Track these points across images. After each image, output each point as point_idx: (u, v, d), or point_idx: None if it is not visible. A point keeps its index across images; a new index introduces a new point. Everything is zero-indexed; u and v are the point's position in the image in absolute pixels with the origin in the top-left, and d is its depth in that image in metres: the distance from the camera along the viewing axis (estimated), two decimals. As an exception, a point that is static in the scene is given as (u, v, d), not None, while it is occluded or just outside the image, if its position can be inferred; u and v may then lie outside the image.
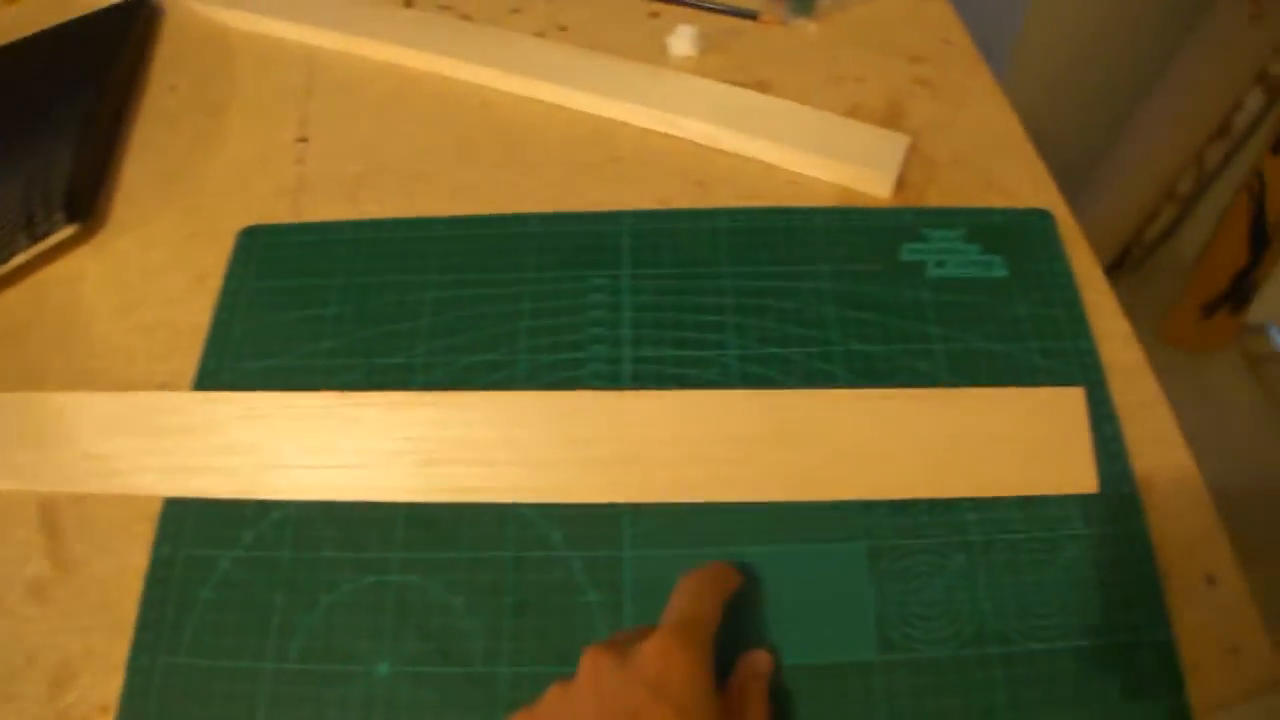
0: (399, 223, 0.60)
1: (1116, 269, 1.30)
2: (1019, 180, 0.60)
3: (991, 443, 0.50)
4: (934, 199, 0.59)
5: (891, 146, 0.60)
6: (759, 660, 0.45)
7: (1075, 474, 0.50)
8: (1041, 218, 0.59)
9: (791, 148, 0.60)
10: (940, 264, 0.56)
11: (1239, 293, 1.24)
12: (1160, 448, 0.51)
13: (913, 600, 0.47)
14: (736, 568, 0.46)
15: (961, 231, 0.58)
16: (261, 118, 0.66)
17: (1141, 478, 0.50)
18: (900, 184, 0.60)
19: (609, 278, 0.56)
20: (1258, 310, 1.29)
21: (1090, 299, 0.56)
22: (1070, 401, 0.52)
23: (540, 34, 0.68)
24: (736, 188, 0.60)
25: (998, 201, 0.59)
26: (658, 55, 0.66)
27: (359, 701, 0.45)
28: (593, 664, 0.38)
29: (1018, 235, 0.58)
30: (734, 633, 0.45)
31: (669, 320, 0.55)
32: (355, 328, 0.56)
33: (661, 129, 0.62)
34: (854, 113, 0.63)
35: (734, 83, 0.64)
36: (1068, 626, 0.47)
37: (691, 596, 0.42)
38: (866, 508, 0.49)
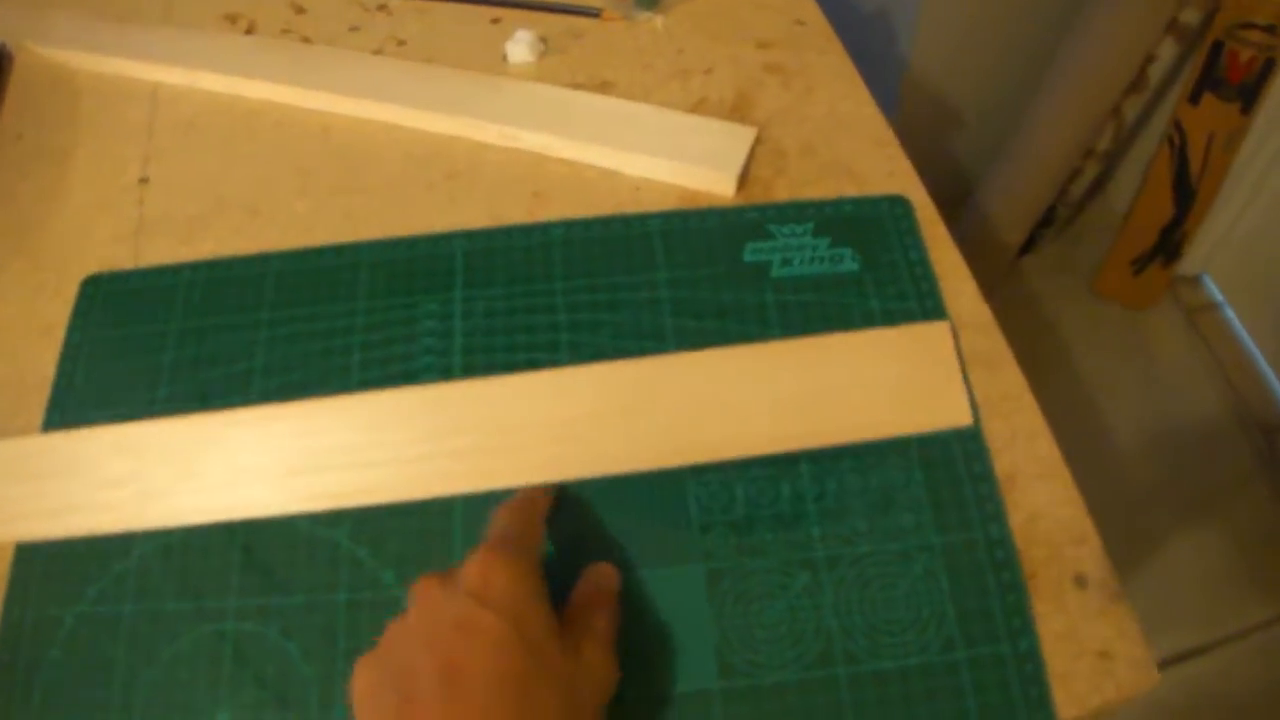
0: (234, 261, 0.56)
1: (1045, 228, 1.25)
2: (873, 166, 0.56)
3: (858, 387, 0.47)
4: (783, 193, 0.55)
5: (736, 141, 0.56)
6: (602, 573, 0.43)
7: (947, 408, 0.47)
8: (896, 205, 0.54)
9: (630, 151, 0.55)
10: (786, 262, 0.52)
11: (1168, 247, 1.19)
12: (1025, 441, 0.47)
13: (755, 623, 0.43)
14: (545, 490, 0.45)
15: (810, 225, 0.53)
16: (104, 161, 0.62)
17: (1004, 475, 0.46)
18: (747, 180, 0.55)
19: (440, 302, 0.52)
20: (1191, 261, 1.24)
21: (951, 288, 0.51)
22: (936, 336, 0.48)
23: (379, 51, 0.63)
24: (574, 198, 0.55)
25: (851, 190, 0.55)
26: (498, 64, 0.62)
27: (199, 760, 0.41)
28: (422, 591, 0.37)
29: (871, 225, 0.53)
30: None
31: (500, 344, 0.50)
32: (190, 372, 0.52)
33: (498, 142, 0.57)
34: (700, 107, 0.59)
35: (575, 86, 0.60)
36: (921, 641, 0.43)
37: (506, 519, 0.41)
38: (705, 528, 0.45)
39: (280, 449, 0.48)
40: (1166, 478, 1.18)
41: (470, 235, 0.54)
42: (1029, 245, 1.28)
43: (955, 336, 0.49)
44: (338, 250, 0.55)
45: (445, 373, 0.50)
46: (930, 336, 0.49)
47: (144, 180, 0.61)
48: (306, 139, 0.60)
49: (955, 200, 1.26)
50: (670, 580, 0.44)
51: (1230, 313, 1.28)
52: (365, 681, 0.36)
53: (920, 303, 0.51)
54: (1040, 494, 0.46)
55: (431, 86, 0.60)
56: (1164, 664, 1.06)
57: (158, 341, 0.54)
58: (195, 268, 0.56)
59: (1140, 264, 1.24)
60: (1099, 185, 1.33)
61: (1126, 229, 1.23)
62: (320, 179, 0.58)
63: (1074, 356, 1.26)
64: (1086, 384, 1.24)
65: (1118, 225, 1.26)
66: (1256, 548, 1.14)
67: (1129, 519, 1.15)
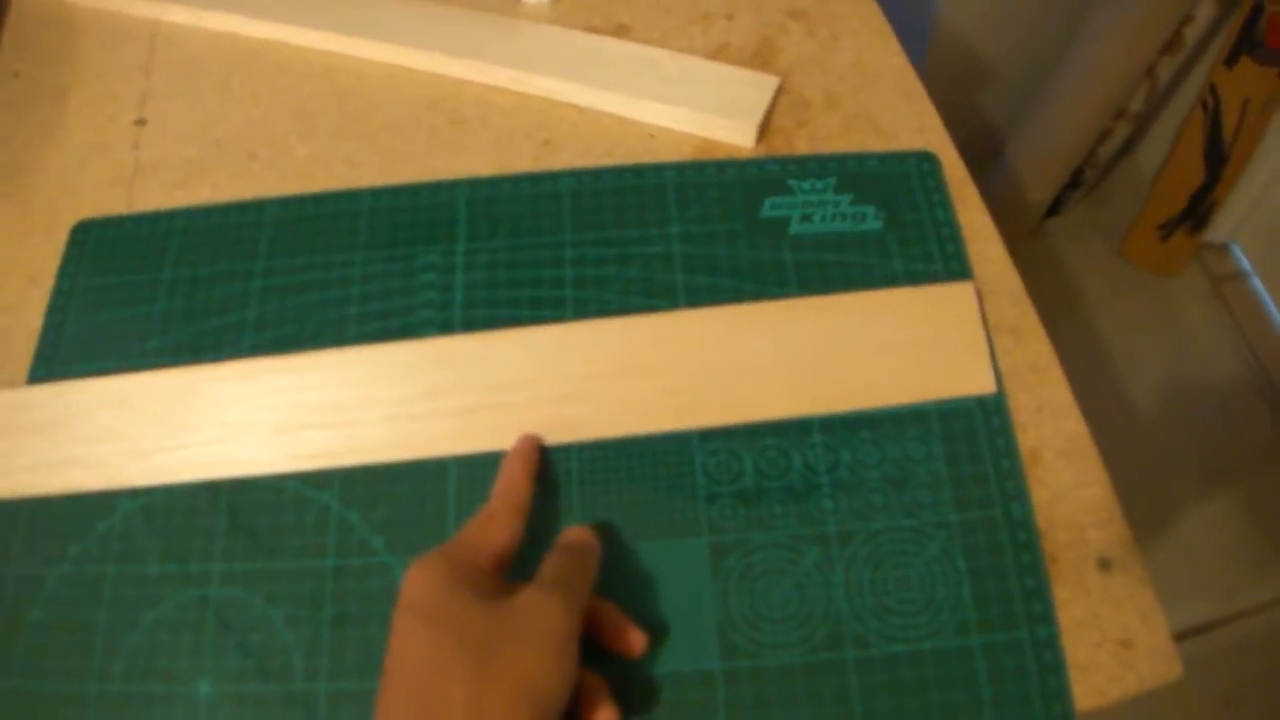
0: (230, 207, 0.52)
1: (1072, 190, 1.19)
2: (900, 121, 0.51)
3: (876, 349, 0.44)
4: (804, 146, 0.50)
5: (757, 90, 0.51)
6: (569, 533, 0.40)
7: (970, 374, 0.43)
8: (923, 161, 0.50)
9: (646, 99, 0.51)
10: (806, 219, 0.48)
11: (1196, 213, 1.13)
12: (1051, 417, 0.43)
13: (760, 601, 0.40)
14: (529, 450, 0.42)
15: (832, 181, 0.49)
16: (101, 101, 0.58)
17: (1027, 451, 0.42)
18: (767, 131, 0.51)
19: (442, 254, 0.48)
20: (1219, 228, 1.18)
21: (978, 251, 0.47)
22: (959, 297, 0.45)
23: (387, -11, 0.59)
24: (586, 146, 0.51)
25: (876, 145, 0.50)
26: (512, 5, 0.57)
27: (180, 724, 0.39)
28: None
29: (896, 182, 0.49)
30: None
31: (503, 298, 0.47)
32: (182, 323, 0.49)
33: (508, 86, 0.53)
34: (720, 54, 0.54)
35: (591, 29, 0.55)
36: (934, 625, 0.39)
37: (471, 525, 0.38)
38: (711, 499, 0.41)
39: (270, 405, 0.45)
40: (1186, 447, 1.13)
41: (475, 184, 0.50)
42: (1055, 207, 1.22)
43: (980, 300, 0.45)
44: (336, 197, 0.51)
45: (444, 327, 0.47)
46: (953, 298, 0.45)
47: (140, 122, 0.57)
48: (309, 81, 0.56)
49: (983, 158, 1.20)
50: (672, 553, 0.41)
51: (1257, 283, 1.22)
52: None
53: (945, 265, 0.46)
54: (1065, 472, 0.42)
55: (440, 27, 0.55)
56: (1178, 637, 1.02)
57: (149, 291, 0.50)
58: (190, 214, 0.52)
59: (1168, 229, 1.18)
60: (1129, 147, 1.27)
61: (1155, 193, 1.17)
62: (322, 123, 0.54)
63: (1097, 321, 1.20)
64: (1109, 349, 1.19)
65: (1146, 190, 1.20)
66: (1275, 521, 1.09)
67: (1147, 487, 1.10)
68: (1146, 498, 1.09)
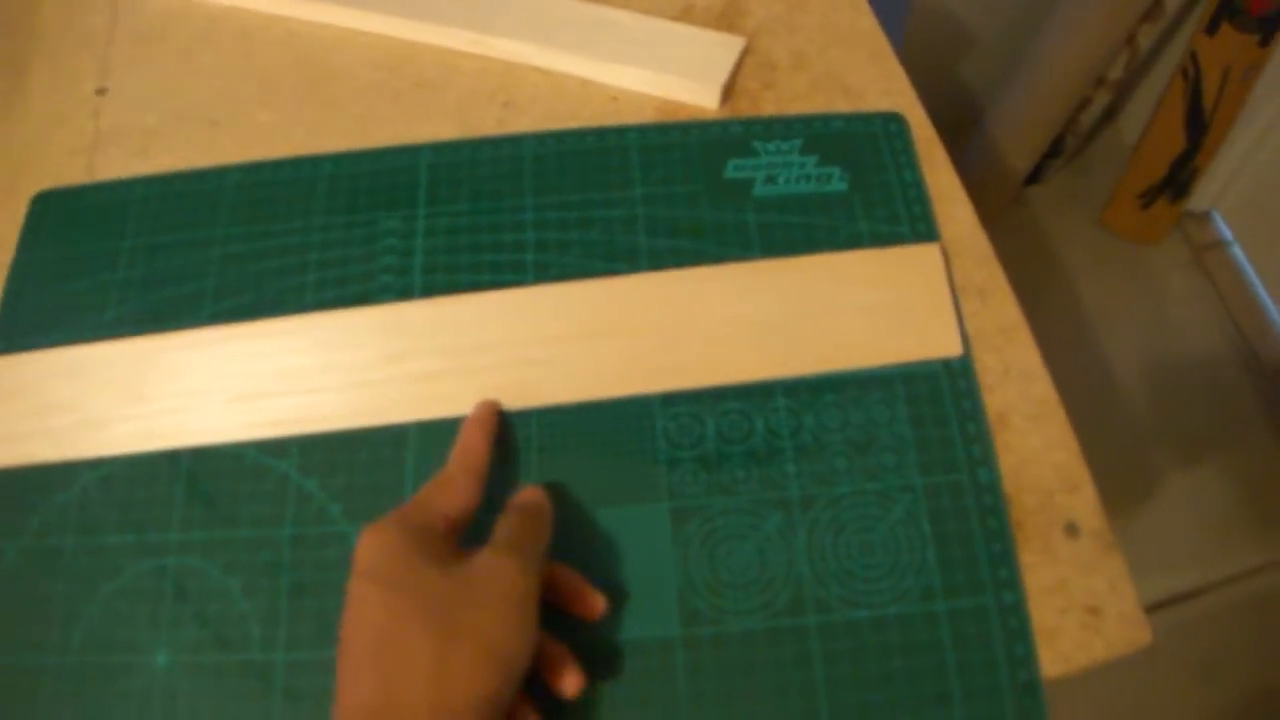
0: (190, 175, 0.51)
1: (1052, 158, 1.17)
2: (869, 82, 0.50)
3: (841, 311, 0.43)
4: (770, 107, 0.49)
5: (723, 51, 0.50)
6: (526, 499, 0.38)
7: (936, 336, 0.42)
8: (890, 122, 0.48)
9: (610, 61, 0.49)
10: (770, 180, 0.46)
11: (1177, 181, 1.12)
12: (1019, 380, 0.42)
13: (721, 567, 0.39)
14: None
15: (797, 142, 0.48)
16: (62, 70, 0.57)
17: (994, 414, 0.41)
18: (732, 92, 0.49)
19: (403, 219, 0.47)
20: (1201, 196, 1.17)
21: (946, 213, 0.46)
22: (925, 259, 0.44)
23: (350, -47, 0.57)
24: (549, 109, 0.49)
25: (843, 106, 0.49)
26: (474, -34, 0.55)
27: (138, 693, 0.39)
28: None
29: (862, 143, 0.47)
30: None
31: (464, 263, 0.45)
32: (142, 292, 0.48)
33: (471, 49, 0.52)
34: (687, 15, 0.52)
35: (555, -9, 0.53)
36: (898, 590, 0.38)
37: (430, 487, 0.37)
38: (672, 464, 0.40)
39: (228, 373, 0.44)
40: (1166, 416, 1.12)
41: (437, 148, 0.49)
42: (1036, 175, 1.21)
43: (947, 262, 0.44)
44: (296, 163, 0.50)
45: (404, 293, 0.45)
46: (920, 259, 0.44)
47: (101, 91, 0.55)
48: (271, 47, 0.55)
49: (963, 124, 1.18)
50: (633, 519, 0.40)
51: (1238, 251, 1.21)
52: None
53: (912, 226, 0.45)
54: (1033, 437, 0.41)
55: (401, -11, 0.54)
56: (1154, 606, 1.02)
57: (109, 260, 0.49)
58: (149, 182, 0.51)
59: (1148, 197, 1.16)
60: (1110, 115, 1.25)
61: (1135, 161, 1.15)
62: (283, 89, 0.53)
63: (1078, 289, 1.19)
64: (1089, 318, 1.17)
65: (1127, 158, 1.19)
66: (1254, 491, 1.09)
67: (1125, 456, 1.10)
68: (1125, 466, 1.08)
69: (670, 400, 0.42)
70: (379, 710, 0.30)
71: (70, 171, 0.52)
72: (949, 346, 0.42)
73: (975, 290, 0.44)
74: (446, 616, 0.32)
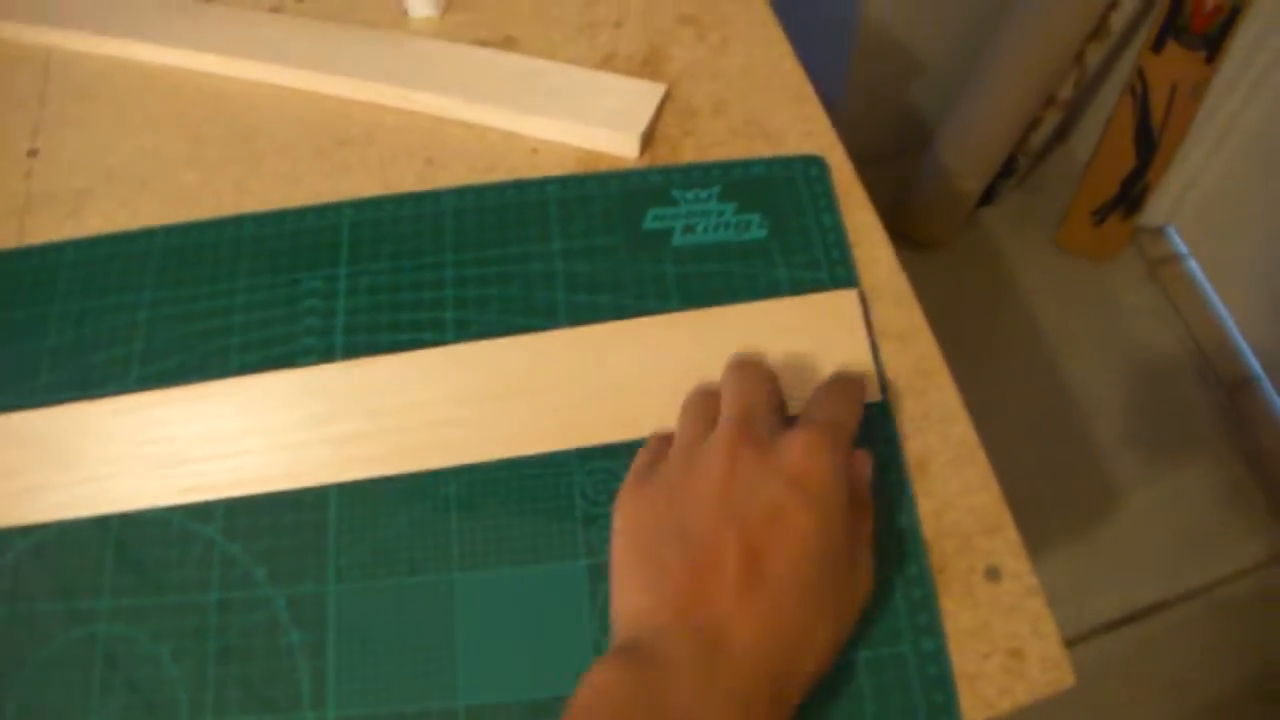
0: (118, 237, 0.50)
1: (1005, 178, 1.17)
2: (789, 125, 0.49)
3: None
4: (690, 154, 0.49)
5: (642, 99, 0.49)
6: (857, 459, 0.37)
7: None
8: (810, 165, 0.48)
9: (530, 112, 0.49)
10: (689, 229, 0.46)
11: (1129, 197, 1.12)
12: (939, 423, 0.41)
13: (640, 624, 0.38)
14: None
15: (715, 189, 0.47)
16: (-5, 132, 0.56)
17: (914, 460, 0.40)
18: (654, 140, 0.49)
19: (325, 279, 0.46)
20: (1154, 212, 1.17)
21: (867, 255, 0.45)
22: (843, 305, 0.43)
23: (278, 8, 0.57)
24: (469, 163, 0.49)
25: (764, 151, 0.49)
26: (401, 19, 0.55)
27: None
28: (729, 448, 0.33)
29: (781, 188, 0.47)
30: (431, 664, 0.38)
31: (384, 322, 0.45)
32: (72, 358, 0.47)
33: (395, 104, 0.51)
34: (608, 63, 0.52)
35: (479, 42, 0.53)
36: (815, 640, 0.37)
37: (839, 401, 0.37)
38: (589, 521, 0.40)
39: (155, 439, 0.44)
40: (1126, 430, 1.12)
41: (358, 205, 0.48)
42: (989, 196, 1.21)
43: (865, 307, 0.44)
44: (220, 224, 0.49)
45: (327, 354, 0.45)
46: (837, 306, 0.43)
47: (33, 153, 0.55)
48: (200, 105, 0.54)
49: (913, 149, 1.19)
50: (551, 578, 0.39)
51: (1194, 265, 1.21)
52: (638, 514, 0.35)
53: (831, 272, 0.45)
54: (953, 480, 0.40)
55: (327, 46, 0.53)
56: (1119, 621, 1.01)
57: (39, 325, 0.48)
58: (79, 246, 0.50)
59: (1101, 214, 1.17)
60: (1061, 134, 1.26)
61: (1087, 179, 1.16)
62: (211, 148, 0.52)
63: (1035, 309, 1.19)
64: (1047, 337, 1.17)
65: (1080, 176, 1.19)
66: (1215, 503, 1.08)
67: (1088, 472, 1.09)
68: (1087, 482, 1.08)
69: (587, 455, 0.41)
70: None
71: (1, 235, 0.51)
72: (867, 393, 0.42)
73: (895, 334, 0.44)
74: (845, 612, 0.35)
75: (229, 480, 0.43)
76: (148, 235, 0.50)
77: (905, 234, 1.18)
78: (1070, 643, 0.96)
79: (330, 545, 0.41)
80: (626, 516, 0.36)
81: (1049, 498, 1.03)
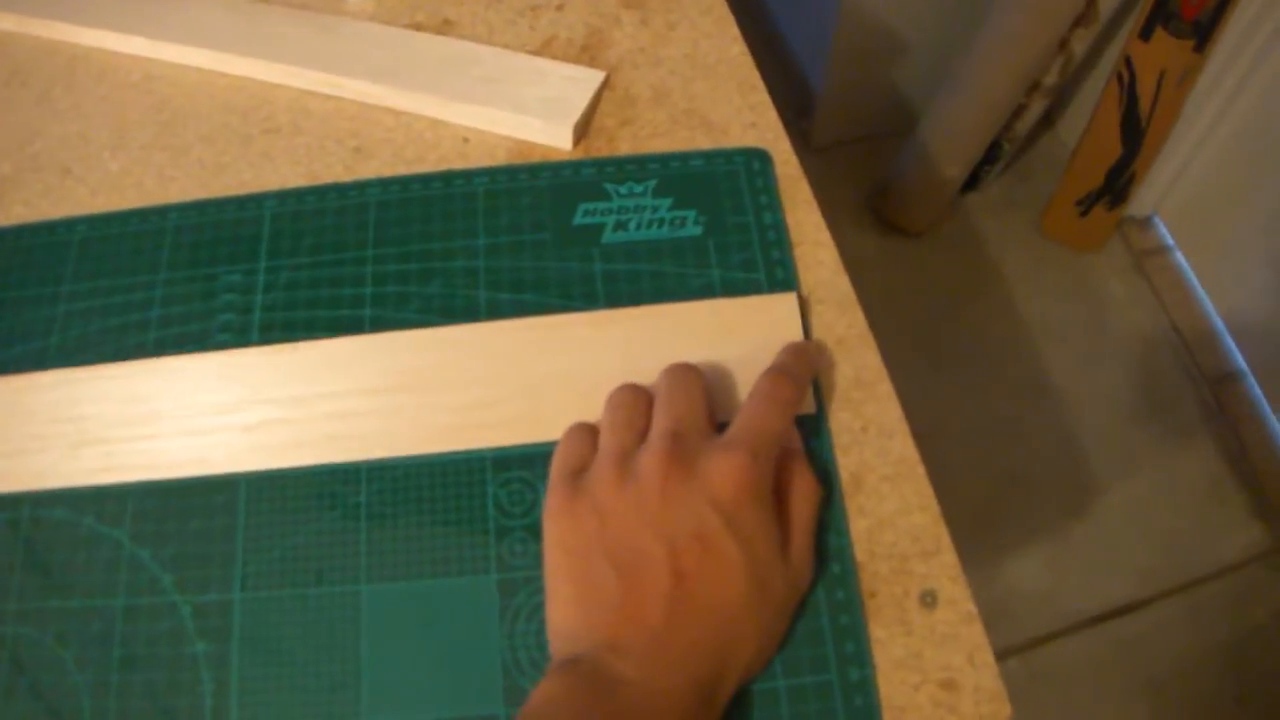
0: (39, 227, 0.48)
1: (989, 165, 1.14)
2: (733, 115, 0.47)
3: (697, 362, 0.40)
4: (626, 146, 0.46)
5: (578, 87, 0.47)
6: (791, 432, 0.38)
7: None
8: (753, 159, 0.46)
9: (461, 100, 0.47)
10: (621, 226, 0.44)
11: (1114, 188, 1.09)
12: (877, 437, 0.39)
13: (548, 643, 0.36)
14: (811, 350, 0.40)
15: (651, 184, 0.45)
16: (-78, 116, 0.54)
17: (848, 476, 0.38)
18: (590, 130, 0.47)
19: (244, 273, 0.44)
20: (1141, 202, 1.14)
21: (809, 256, 0.43)
22: (779, 309, 0.41)
23: (211, -10, 0.54)
24: (397, 152, 0.47)
25: (704, 143, 0.46)
26: (335, 2, 0.53)
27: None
28: (661, 468, 0.33)
29: (721, 183, 0.45)
30: (336, 677, 0.37)
31: (300, 320, 0.43)
32: (-13, 351, 0.45)
33: (323, 90, 0.49)
34: (547, 48, 0.50)
35: (415, 25, 0.51)
36: (734, 664, 0.35)
37: (764, 415, 0.36)
38: (501, 534, 0.38)
39: (67, 417, 0.42)
40: (1106, 424, 1.10)
41: (282, 196, 0.46)
42: (973, 182, 1.18)
43: (805, 312, 0.41)
44: (144, 214, 0.47)
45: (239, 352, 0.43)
46: (773, 310, 0.41)
47: (-42, 137, 0.52)
48: (126, 90, 0.52)
49: (897, 133, 1.15)
50: (460, 592, 0.37)
51: (1180, 256, 1.18)
52: (570, 529, 0.34)
53: (769, 273, 0.42)
54: (890, 498, 0.38)
55: (257, 28, 0.51)
56: (1099, 619, 0.99)
57: (-42, 316, 0.46)
58: (1, 235, 0.48)
59: (1086, 205, 1.14)
60: (1047, 121, 1.22)
61: (1072, 168, 1.13)
62: (136, 134, 0.50)
63: (1017, 298, 1.16)
64: (1029, 327, 1.15)
65: (1066, 163, 1.16)
66: (1197, 500, 1.06)
67: (1068, 466, 1.07)
68: (1065, 476, 1.06)
69: (502, 465, 0.39)
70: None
71: (-77, 224, 0.49)
72: (801, 404, 0.39)
73: (835, 340, 0.41)
74: (775, 621, 0.35)
75: (140, 464, 0.41)
76: (68, 225, 0.48)
77: (887, 219, 1.15)
78: (1046, 639, 0.95)
79: (238, 552, 0.39)
80: (560, 530, 0.35)
81: (1027, 491, 1.01)
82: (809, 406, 0.39)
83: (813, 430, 0.39)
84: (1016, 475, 1.02)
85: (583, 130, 0.46)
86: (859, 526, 0.38)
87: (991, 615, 0.36)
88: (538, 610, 0.37)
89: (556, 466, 0.37)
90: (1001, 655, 0.34)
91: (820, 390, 0.40)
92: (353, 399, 0.40)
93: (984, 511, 0.98)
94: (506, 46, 0.50)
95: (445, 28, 0.51)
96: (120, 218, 0.47)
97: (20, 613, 0.39)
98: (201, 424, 0.41)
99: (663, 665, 0.32)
